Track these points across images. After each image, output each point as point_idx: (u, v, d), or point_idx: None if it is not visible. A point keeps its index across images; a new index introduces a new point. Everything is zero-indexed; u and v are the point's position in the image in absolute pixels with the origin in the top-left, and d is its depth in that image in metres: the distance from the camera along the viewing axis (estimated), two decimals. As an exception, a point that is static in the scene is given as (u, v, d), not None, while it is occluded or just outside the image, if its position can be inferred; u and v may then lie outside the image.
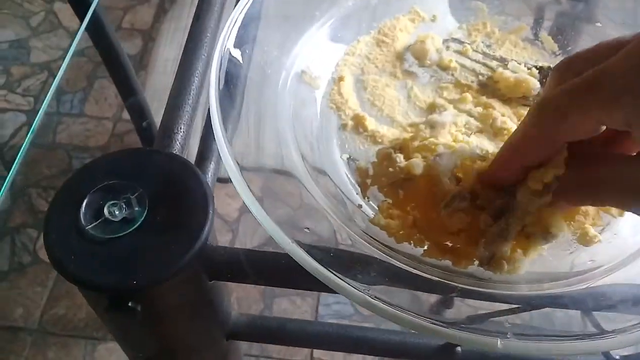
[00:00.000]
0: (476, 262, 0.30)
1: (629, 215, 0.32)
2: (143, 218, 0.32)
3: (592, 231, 0.31)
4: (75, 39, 0.53)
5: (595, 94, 0.22)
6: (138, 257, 0.32)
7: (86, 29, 0.64)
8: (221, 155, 0.29)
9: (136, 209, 0.33)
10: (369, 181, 0.32)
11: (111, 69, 0.68)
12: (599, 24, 0.41)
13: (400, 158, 0.31)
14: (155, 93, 1.12)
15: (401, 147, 0.32)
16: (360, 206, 0.33)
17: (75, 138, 1.36)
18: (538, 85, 0.37)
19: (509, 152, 0.27)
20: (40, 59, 1.47)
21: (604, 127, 0.24)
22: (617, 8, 0.41)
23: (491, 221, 0.29)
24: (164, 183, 0.34)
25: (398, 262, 0.30)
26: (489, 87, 0.38)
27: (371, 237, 0.31)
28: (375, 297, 0.25)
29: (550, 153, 0.25)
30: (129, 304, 0.32)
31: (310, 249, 0.27)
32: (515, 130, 0.26)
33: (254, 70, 0.35)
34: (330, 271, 0.26)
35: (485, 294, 0.29)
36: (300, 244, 0.26)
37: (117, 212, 0.32)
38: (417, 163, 0.30)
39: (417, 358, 0.43)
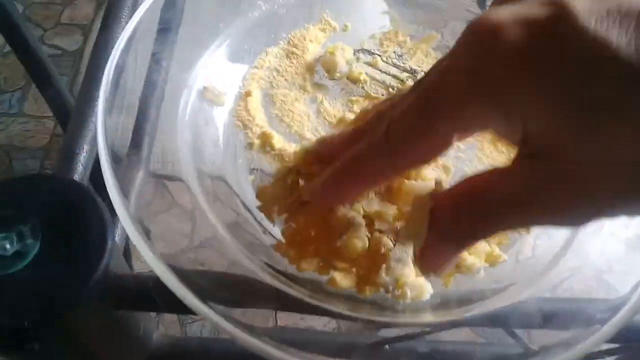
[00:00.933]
0: (381, 289, 0.29)
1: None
2: (36, 251, 0.31)
3: (497, 251, 0.31)
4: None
5: (436, 108, 0.20)
6: (32, 294, 0.30)
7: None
8: (106, 185, 0.28)
9: (28, 241, 0.31)
10: (268, 204, 0.31)
11: (34, 77, 0.65)
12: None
13: (298, 180, 0.30)
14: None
15: (299, 167, 0.31)
16: (265, 231, 0.32)
17: (14, 138, 1.31)
18: None
19: (346, 175, 0.25)
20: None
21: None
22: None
23: (391, 245, 0.29)
24: (59, 211, 0.32)
25: (297, 293, 0.29)
26: None
27: (272, 266, 0.30)
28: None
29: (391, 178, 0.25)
30: (25, 345, 0.30)
31: (187, 280, 0.26)
32: (353, 150, 0.24)
33: (150, 88, 0.34)
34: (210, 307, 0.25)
35: (389, 323, 0.29)
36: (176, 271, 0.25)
37: (8, 246, 0.31)
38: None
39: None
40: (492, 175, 0.20)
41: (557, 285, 0.29)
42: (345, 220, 0.29)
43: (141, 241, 0.26)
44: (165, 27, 0.35)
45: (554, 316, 0.26)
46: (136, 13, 0.33)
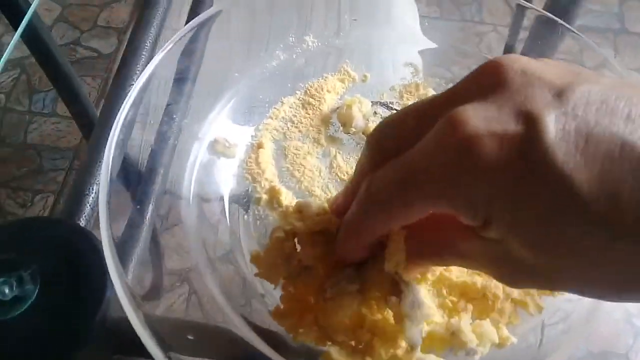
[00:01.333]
0: None
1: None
2: (34, 297, 0.31)
3: (505, 333, 0.30)
4: (8, 49, 0.51)
5: (413, 189, 0.21)
6: (28, 340, 0.30)
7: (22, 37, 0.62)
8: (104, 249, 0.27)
9: (27, 287, 0.31)
10: (266, 270, 0.30)
11: (55, 84, 0.66)
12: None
13: (294, 245, 0.29)
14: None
15: (295, 232, 0.30)
16: (262, 295, 0.31)
17: (46, 138, 1.33)
18: None
19: (346, 234, 0.26)
20: (12, 55, 1.44)
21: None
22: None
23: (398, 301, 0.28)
24: (59, 257, 0.32)
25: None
26: None
27: (264, 332, 0.30)
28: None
29: (385, 233, 0.25)
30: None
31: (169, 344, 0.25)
32: (348, 212, 0.25)
33: (161, 142, 0.33)
34: None
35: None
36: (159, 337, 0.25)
37: (7, 291, 0.31)
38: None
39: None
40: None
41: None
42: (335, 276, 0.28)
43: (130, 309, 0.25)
44: (181, 77, 0.35)
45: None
46: (151, 62, 0.33)
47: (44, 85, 1.38)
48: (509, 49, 0.42)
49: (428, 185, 0.20)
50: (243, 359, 0.31)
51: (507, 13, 0.41)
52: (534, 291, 0.31)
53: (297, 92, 0.39)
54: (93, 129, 0.40)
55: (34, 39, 0.61)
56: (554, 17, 0.37)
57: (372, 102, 0.38)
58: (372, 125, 0.37)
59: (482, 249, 0.21)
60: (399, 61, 0.40)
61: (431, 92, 0.39)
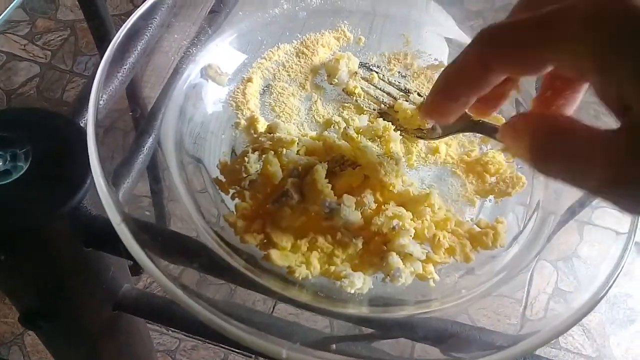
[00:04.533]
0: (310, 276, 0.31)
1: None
2: (22, 173, 0.34)
3: (430, 267, 0.32)
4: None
5: (547, 33, 0.21)
6: (10, 208, 0.33)
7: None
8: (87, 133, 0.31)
9: (19, 163, 0.34)
10: (226, 178, 0.33)
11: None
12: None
13: (253, 157, 0.32)
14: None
15: (259, 147, 0.33)
16: (222, 201, 0.34)
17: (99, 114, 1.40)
18: None
19: (444, 80, 0.26)
20: (66, 17, 1.52)
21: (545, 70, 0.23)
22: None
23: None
24: (51, 144, 0.35)
25: (233, 261, 0.31)
26: (389, 116, 0.39)
27: (218, 233, 0.32)
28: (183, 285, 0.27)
29: (484, 85, 0.25)
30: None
31: (137, 230, 0.28)
32: (454, 60, 0.25)
33: (158, 54, 0.37)
34: (150, 257, 0.27)
35: (305, 306, 0.30)
36: (129, 223, 0.28)
37: (0, 163, 0.34)
38: (254, 159, 0.32)
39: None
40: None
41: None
42: (281, 190, 0.31)
43: (105, 191, 0.28)
44: (185, 3, 0.38)
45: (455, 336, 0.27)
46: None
47: (90, 49, 1.45)
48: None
49: (563, 33, 0.20)
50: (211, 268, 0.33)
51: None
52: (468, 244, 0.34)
53: (294, 41, 0.42)
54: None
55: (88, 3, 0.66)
56: None
57: (360, 62, 0.41)
58: (351, 84, 0.40)
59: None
60: (395, 31, 0.43)
61: (415, 64, 0.42)
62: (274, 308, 0.66)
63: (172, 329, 1.07)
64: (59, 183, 0.34)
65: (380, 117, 0.38)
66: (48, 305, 0.44)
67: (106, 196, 0.28)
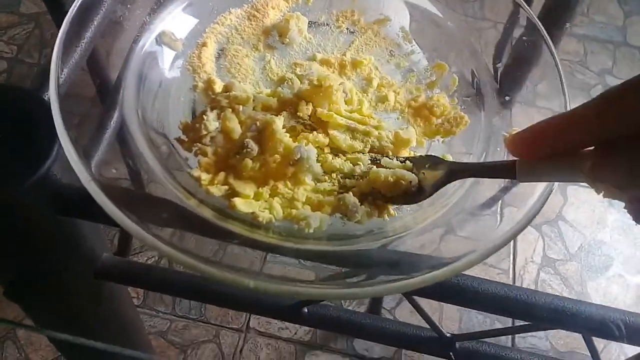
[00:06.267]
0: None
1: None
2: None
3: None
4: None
5: None
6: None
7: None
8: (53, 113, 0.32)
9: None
10: (187, 137, 0.36)
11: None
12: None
13: (212, 116, 0.34)
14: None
15: (217, 106, 0.35)
16: (186, 159, 0.36)
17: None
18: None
19: (554, 117, 0.27)
20: (30, 10, 1.51)
21: None
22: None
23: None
24: (15, 118, 0.37)
25: (199, 211, 0.33)
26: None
27: (186, 189, 0.34)
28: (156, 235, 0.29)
29: (589, 139, 0.26)
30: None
31: (109, 188, 0.30)
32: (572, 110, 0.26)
33: (116, 26, 0.38)
34: (123, 211, 0.29)
35: (263, 244, 0.32)
36: (100, 182, 0.30)
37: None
38: (213, 117, 0.34)
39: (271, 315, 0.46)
40: None
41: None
42: (240, 143, 0.33)
43: (72, 150, 0.30)
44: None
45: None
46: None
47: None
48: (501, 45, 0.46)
49: None
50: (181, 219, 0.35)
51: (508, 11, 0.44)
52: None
53: (245, 5, 0.44)
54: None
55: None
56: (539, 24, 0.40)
57: (310, 21, 0.43)
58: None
59: None
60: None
61: (362, 20, 0.44)
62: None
63: (162, 312, 1.09)
64: (26, 155, 0.35)
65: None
66: (29, 276, 0.46)
67: (73, 155, 0.30)
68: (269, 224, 0.33)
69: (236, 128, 0.35)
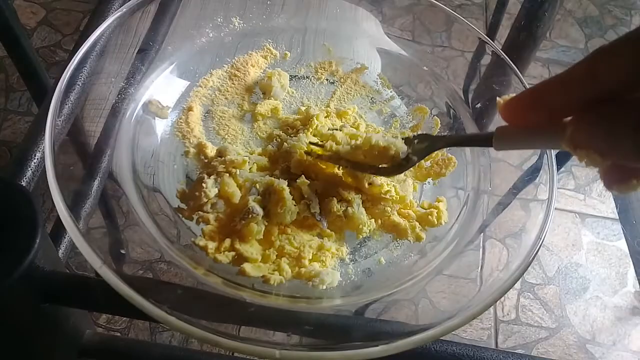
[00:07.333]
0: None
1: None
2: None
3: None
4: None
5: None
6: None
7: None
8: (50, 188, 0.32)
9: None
10: (187, 206, 0.36)
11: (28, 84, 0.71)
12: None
13: (210, 182, 0.35)
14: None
15: (213, 172, 0.36)
16: (189, 228, 0.37)
17: (19, 136, 1.38)
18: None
19: (544, 81, 0.26)
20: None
21: None
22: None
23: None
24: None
25: (209, 282, 0.34)
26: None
27: (192, 258, 0.35)
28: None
29: (587, 96, 0.25)
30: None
31: (122, 273, 0.30)
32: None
33: (96, 100, 0.39)
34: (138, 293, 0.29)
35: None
36: (112, 266, 0.30)
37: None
38: (212, 184, 0.35)
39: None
40: None
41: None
42: (245, 207, 0.34)
43: (80, 237, 0.30)
44: (109, 49, 0.40)
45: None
46: (91, 35, 0.38)
47: (22, 84, 1.42)
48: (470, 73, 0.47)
49: None
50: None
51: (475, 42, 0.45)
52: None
53: (225, 65, 0.45)
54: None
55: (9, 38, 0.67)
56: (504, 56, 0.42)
57: (290, 75, 0.45)
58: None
59: None
60: (317, 43, 0.46)
61: (341, 69, 0.46)
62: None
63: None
64: (8, 248, 0.34)
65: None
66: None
67: (82, 243, 0.30)
68: (280, 285, 0.34)
69: (236, 192, 0.36)
